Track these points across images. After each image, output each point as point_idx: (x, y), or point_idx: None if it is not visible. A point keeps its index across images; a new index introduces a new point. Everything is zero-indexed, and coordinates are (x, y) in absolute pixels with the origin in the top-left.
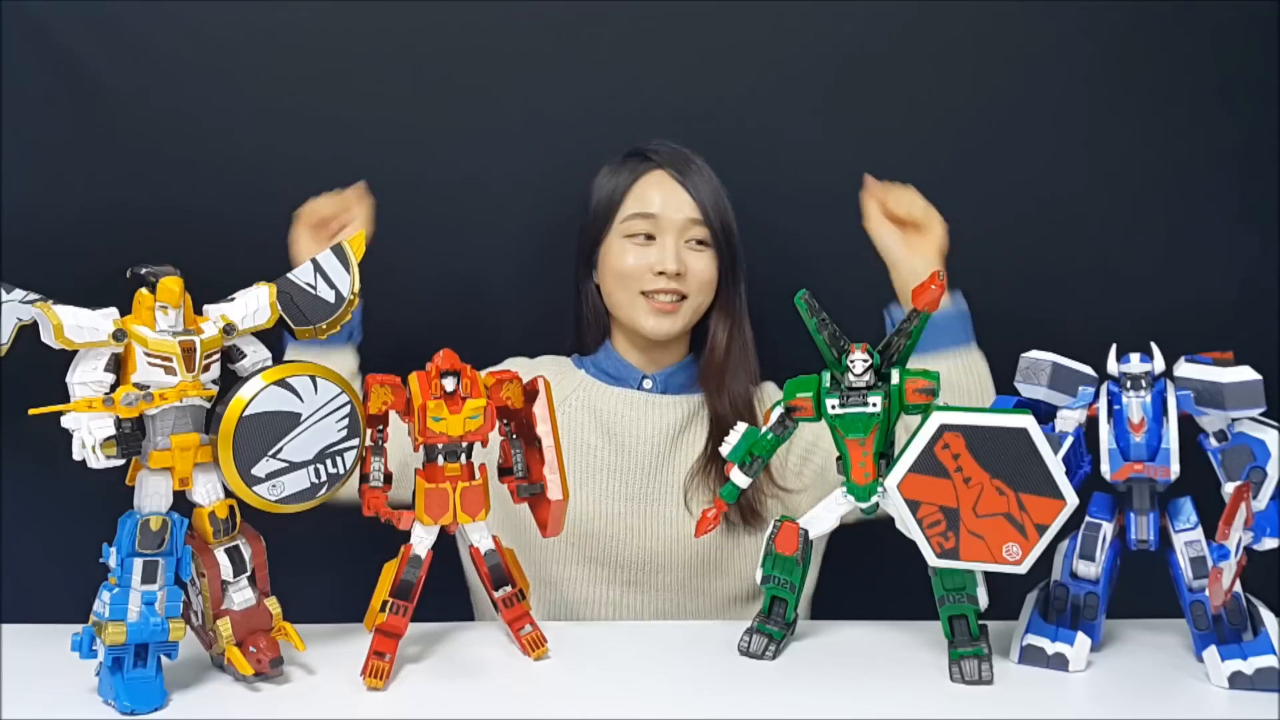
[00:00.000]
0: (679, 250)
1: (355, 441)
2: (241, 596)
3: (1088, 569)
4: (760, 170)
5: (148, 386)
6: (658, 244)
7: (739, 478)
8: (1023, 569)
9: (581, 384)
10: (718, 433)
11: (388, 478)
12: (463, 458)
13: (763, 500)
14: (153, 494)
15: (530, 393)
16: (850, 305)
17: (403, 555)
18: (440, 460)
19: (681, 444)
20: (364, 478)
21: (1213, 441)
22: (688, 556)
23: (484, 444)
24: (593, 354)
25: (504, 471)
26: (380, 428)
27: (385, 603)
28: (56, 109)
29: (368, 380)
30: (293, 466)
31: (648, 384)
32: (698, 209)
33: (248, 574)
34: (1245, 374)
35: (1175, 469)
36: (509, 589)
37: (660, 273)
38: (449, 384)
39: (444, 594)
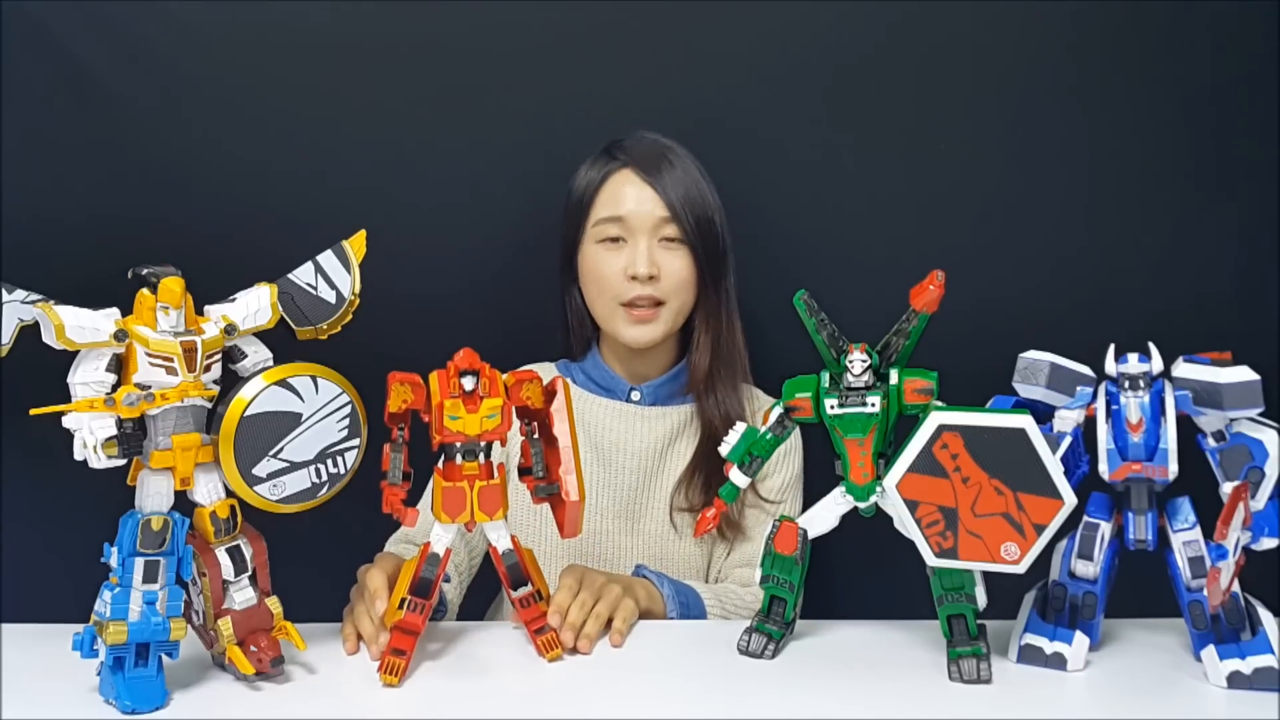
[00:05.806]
0: (651, 252)
1: (356, 442)
2: (243, 596)
3: (1086, 568)
4: (759, 169)
5: (149, 387)
6: (629, 246)
7: (738, 478)
8: (1021, 568)
9: None
10: (708, 437)
11: (406, 475)
12: (481, 456)
13: (742, 511)
14: (154, 494)
15: (550, 393)
16: (850, 306)
17: (421, 553)
18: (458, 459)
19: (669, 456)
20: (383, 475)
21: (1211, 441)
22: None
23: (503, 443)
24: (580, 360)
25: (524, 471)
26: (401, 426)
27: (404, 600)
28: (57, 110)
29: (389, 378)
30: (294, 466)
31: (636, 395)
32: (666, 207)
33: (249, 573)
34: (1244, 374)
35: (1173, 469)
36: (527, 589)
37: (634, 277)
38: (467, 383)
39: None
